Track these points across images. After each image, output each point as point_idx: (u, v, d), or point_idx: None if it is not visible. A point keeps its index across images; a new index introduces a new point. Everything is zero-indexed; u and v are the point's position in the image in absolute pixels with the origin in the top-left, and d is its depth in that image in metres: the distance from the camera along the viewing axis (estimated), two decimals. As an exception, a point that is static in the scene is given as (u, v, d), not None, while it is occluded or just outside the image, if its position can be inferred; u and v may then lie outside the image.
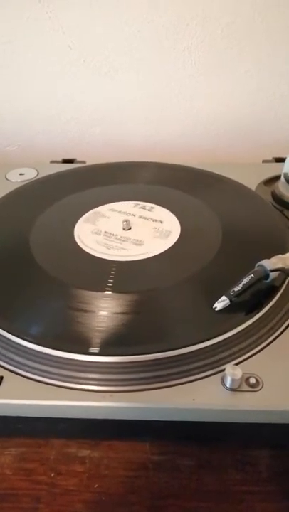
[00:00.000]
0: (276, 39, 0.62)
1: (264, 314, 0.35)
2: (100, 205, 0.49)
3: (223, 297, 0.33)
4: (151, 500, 0.29)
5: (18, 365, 0.32)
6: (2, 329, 0.34)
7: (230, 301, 0.33)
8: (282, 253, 0.36)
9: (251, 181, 0.53)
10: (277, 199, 0.50)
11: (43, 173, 0.58)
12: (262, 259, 0.35)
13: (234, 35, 0.61)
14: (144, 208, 0.48)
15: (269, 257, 0.35)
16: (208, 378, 0.31)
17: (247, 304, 0.34)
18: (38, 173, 0.59)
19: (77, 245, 0.42)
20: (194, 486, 0.30)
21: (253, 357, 0.32)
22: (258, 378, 0.30)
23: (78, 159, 0.63)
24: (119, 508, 0.29)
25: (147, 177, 0.55)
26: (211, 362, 0.32)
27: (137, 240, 0.43)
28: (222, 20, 0.60)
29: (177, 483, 0.30)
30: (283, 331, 0.35)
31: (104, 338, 0.32)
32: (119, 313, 0.34)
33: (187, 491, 0.29)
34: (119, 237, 0.43)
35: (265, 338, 0.33)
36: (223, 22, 0.60)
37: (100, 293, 0.36)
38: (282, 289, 0.37)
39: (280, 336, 0.34)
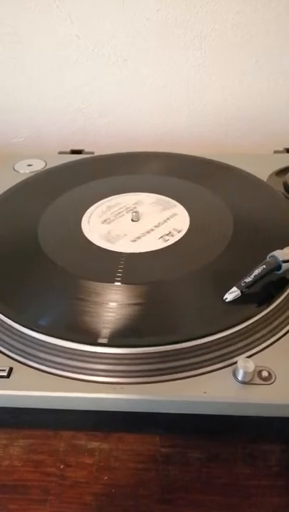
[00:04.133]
0: (286, 28, 0.60)
1: (276, 306, 0.34)
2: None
3: (234, 288, 0.33)
4: (160, 493, 0.29)
5: (28, 356, 0.32)
6: (12, 320, 0.34)
7: (241, 292, 0.33)
8: (295, 244, 0.36)
9: (263, 172, 0.53)
10: (289, 190, 0.50)
11: (51, 164, 0.57)
12: (274, 251, 0.35)
13: (244, 24, 0.60)
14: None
15: (281, 248, 0.35)
16: (220, 371, 0.30)
17: (258, 295, 0.34)
18: (46, 164, 0.58)
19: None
20: (204, 479, 0.29)
21: (266, 350, 0.32)
22: (270, 371, 0.30)
23: (86, 150, 0.63)
24: (129, 501, 0.29)
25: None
26: (222, 354, 0.31)
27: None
28: (232, 8, 0.59)
29: (186, 477, 0.29)
30: (296, 323, 0.34)
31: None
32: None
33: (196, 484, 0.29)
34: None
35: (278, 331, 0.33)
36: (233, 10, 0.59)
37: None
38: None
39: (293, 329, 0.34)
